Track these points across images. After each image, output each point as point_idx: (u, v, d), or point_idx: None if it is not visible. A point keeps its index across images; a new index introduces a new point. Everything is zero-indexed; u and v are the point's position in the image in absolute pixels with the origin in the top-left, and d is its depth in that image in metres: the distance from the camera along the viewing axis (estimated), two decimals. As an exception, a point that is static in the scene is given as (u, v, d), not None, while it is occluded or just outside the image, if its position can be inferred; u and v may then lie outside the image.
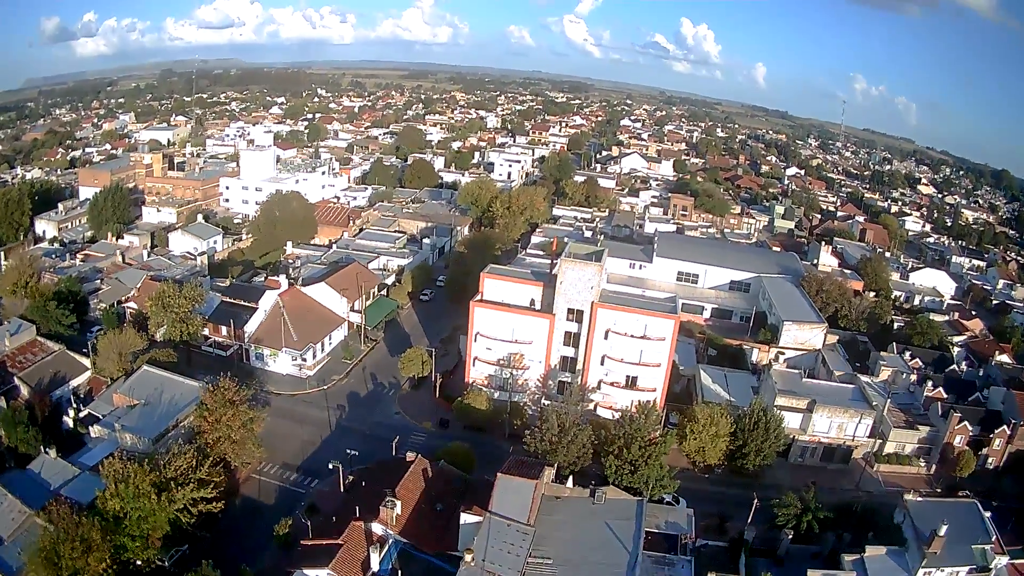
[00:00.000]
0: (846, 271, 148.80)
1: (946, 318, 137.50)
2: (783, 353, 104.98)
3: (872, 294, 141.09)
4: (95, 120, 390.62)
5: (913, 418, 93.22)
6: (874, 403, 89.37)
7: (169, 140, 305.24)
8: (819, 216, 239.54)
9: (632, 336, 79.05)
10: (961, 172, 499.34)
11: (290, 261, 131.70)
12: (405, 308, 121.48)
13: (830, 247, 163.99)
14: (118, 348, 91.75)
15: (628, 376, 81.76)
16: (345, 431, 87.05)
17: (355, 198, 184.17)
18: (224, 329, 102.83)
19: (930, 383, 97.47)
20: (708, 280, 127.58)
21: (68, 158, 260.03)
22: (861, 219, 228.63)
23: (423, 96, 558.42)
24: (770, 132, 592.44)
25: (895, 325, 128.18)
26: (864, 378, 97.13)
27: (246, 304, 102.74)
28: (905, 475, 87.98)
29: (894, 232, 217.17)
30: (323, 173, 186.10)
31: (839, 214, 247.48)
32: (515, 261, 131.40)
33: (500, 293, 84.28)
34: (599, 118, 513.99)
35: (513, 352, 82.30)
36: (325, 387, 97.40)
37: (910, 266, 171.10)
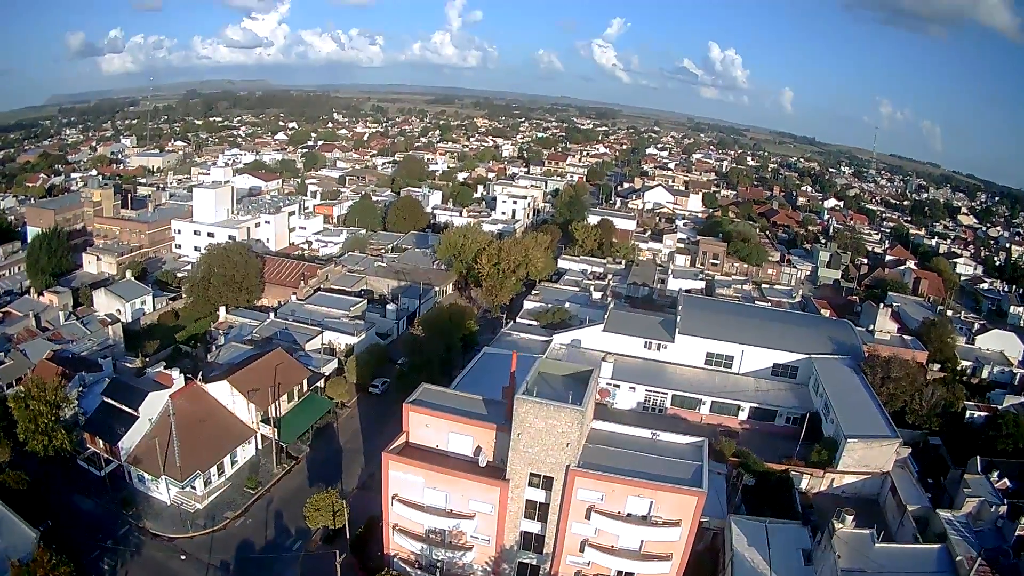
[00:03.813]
0: (906, 338, 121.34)
1: (1021, 400, 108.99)
2: (842, 480, 79.03)
3: (937, 366, 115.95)
4: (93, 143, 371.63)
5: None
6: (957, 556, 61.52)
7: (157, 168, 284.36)
8: (866, 261, 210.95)
9: (628, 518, 51.34)
10: (997, 199, 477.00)
11: (220, 332, 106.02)
12: (349, 406, 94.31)
13: (889, 310, 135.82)
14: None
15: (620, 573, 53.74)
16: (219, 614, 60.85)
17: (326, 244, 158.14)
18: (101, 441, 77.79)
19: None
20: (745, 363, 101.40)
21: (47, 186, 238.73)
22: (912, 264, 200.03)
23: (441, 122, 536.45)
24: (801, 160, 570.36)
25: (966, 412, 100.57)
26: (944, 513, 69.65)
27: (127, 410, 77.08)
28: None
29: (948, 278, 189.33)
30: (292, 213, 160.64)
31: (888, 258, 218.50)
32: (498, 338, 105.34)
33: (432, 436, 56.70)
34: (624, 146, 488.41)
35: (448, 527, 55.23)
36: (213, 529, 71.26)
37: (975, 327, 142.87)
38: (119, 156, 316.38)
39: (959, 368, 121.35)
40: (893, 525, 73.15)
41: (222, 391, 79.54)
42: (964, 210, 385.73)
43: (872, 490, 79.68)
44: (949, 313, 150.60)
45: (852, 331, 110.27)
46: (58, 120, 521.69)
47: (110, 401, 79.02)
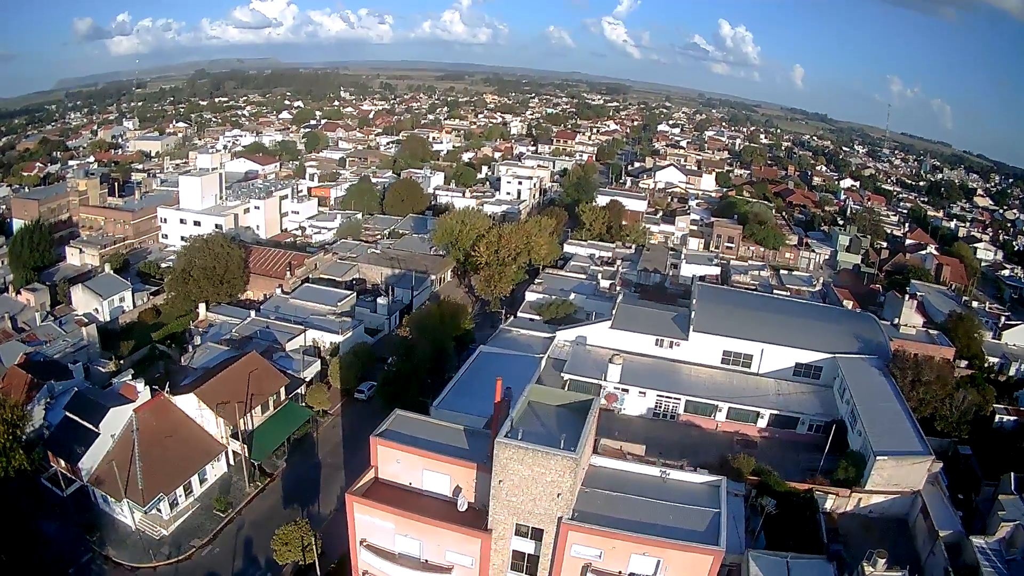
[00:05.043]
0: (932, 332, 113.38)
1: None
2: (869, 500, 71.85)
3: (964, 363, 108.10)
4: (95, 126, 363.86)
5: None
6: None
7: (156, 152, 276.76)
8: (886, 245, 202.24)
9: (632, 580, 43.94)
10: (1010, 180, 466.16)
11: (199, 330, 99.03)
12: (332, 413, 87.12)
13: (914, 301, 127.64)
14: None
15: (623, 639, 46.03)
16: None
17: (320, 231, 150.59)
18: (63, 460, 71.27)
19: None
20: (765, 363, 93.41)
21: (43, 174, 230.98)
22: (933, 249, 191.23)
23: (448, 99, 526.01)
24: (814, 138, 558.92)
25: (995, 416, 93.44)
26: (977, 541, 62.54)
27: (88, 426, 70.34)
28: None
29: (970, 264, 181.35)
30: (284, 197, 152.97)
31: (908, 241, 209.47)
32: (496, 336, 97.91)
33: (404, 472, 48.89)
34: (635, 122, 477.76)
35: (424, 579, 47.86)
36: (178, 559, 64.71)
37: (1002, 321, 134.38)
38: (119, 140, 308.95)
39: (986, 366, 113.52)
40: (923, 552, 66.76)
41: (189, 404, 72.60)
42: (980, 192, 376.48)
43: (901, 510, 72.46)
44: (975, 304, 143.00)
45: (878, 326, 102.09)
46: (64, 104, 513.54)
47: (72, 416, 72.29)
